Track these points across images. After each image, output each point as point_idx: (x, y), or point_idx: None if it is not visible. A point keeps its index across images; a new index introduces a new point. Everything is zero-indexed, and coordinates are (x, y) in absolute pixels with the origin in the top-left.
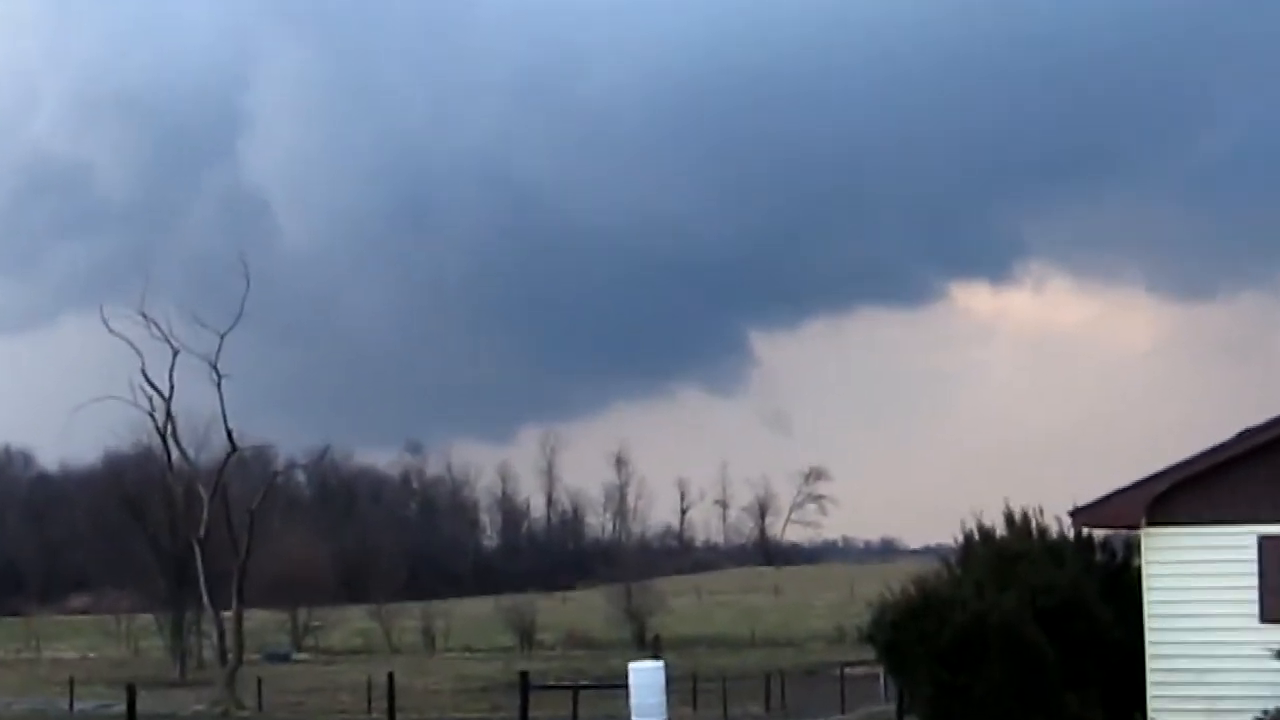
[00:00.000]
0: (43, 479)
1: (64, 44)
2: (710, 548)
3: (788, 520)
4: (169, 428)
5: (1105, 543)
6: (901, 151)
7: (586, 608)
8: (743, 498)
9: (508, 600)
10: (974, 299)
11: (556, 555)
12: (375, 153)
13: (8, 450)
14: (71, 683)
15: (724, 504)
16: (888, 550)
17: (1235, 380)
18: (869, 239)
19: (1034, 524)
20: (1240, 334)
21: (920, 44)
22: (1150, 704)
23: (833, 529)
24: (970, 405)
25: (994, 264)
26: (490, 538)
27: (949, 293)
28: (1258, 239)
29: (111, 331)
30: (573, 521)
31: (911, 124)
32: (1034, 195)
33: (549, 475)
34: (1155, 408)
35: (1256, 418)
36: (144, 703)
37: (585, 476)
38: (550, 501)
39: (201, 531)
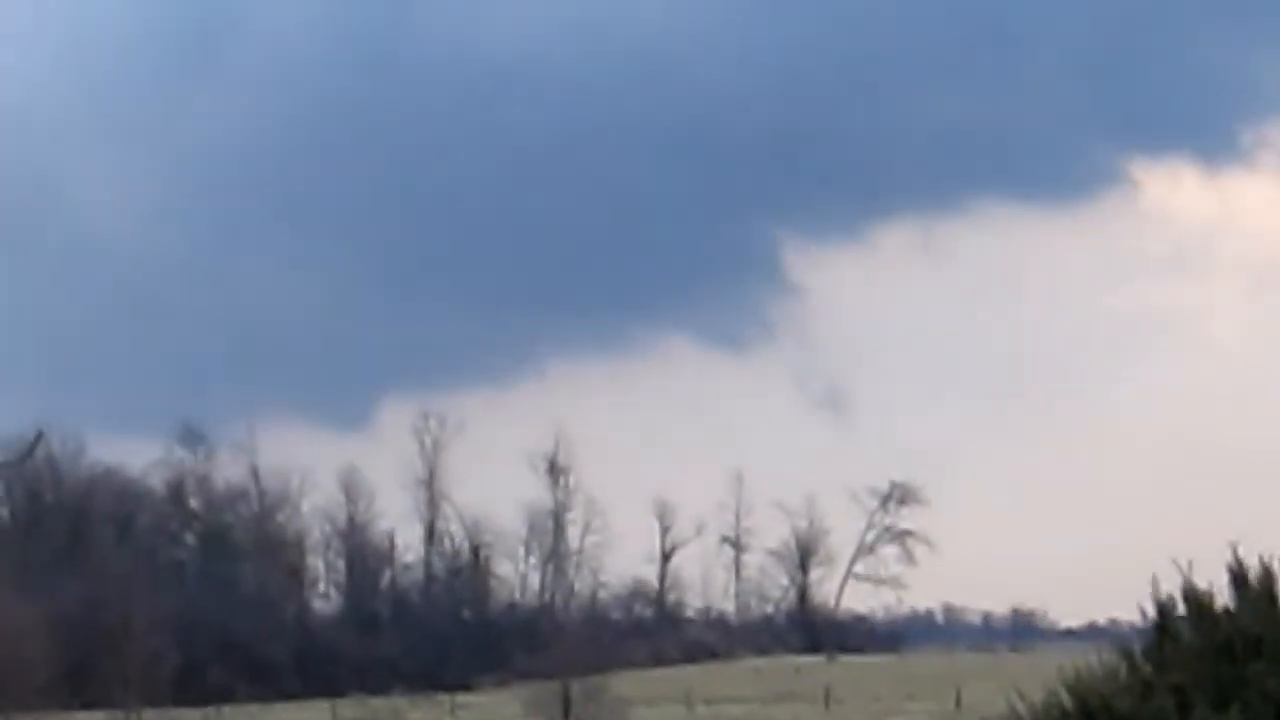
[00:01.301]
0: None
1: None
2: (712, 621)
3: (849, 575)
4: None
5: None
6: None
7: None
8: (770, 534)
9: (355, 707)
10: (1172, 190)
11: (442, 631)
12: None
13: None
14: None
15: (736, 544)
16: (1022, 630)
17: None
18: (988, 88)
19: None
20: None
21: None
22: None
23: (926, 592)
24: (1167, 381)
25: (1205, 128)
26: (326, 597)
27: (1127, 177)
28: None
29: None
30: (471, 572)
31: None
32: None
33: (429, 489)
34: None
35: None
36: None
37: (494, 492)
38: (431, 536)
39: None
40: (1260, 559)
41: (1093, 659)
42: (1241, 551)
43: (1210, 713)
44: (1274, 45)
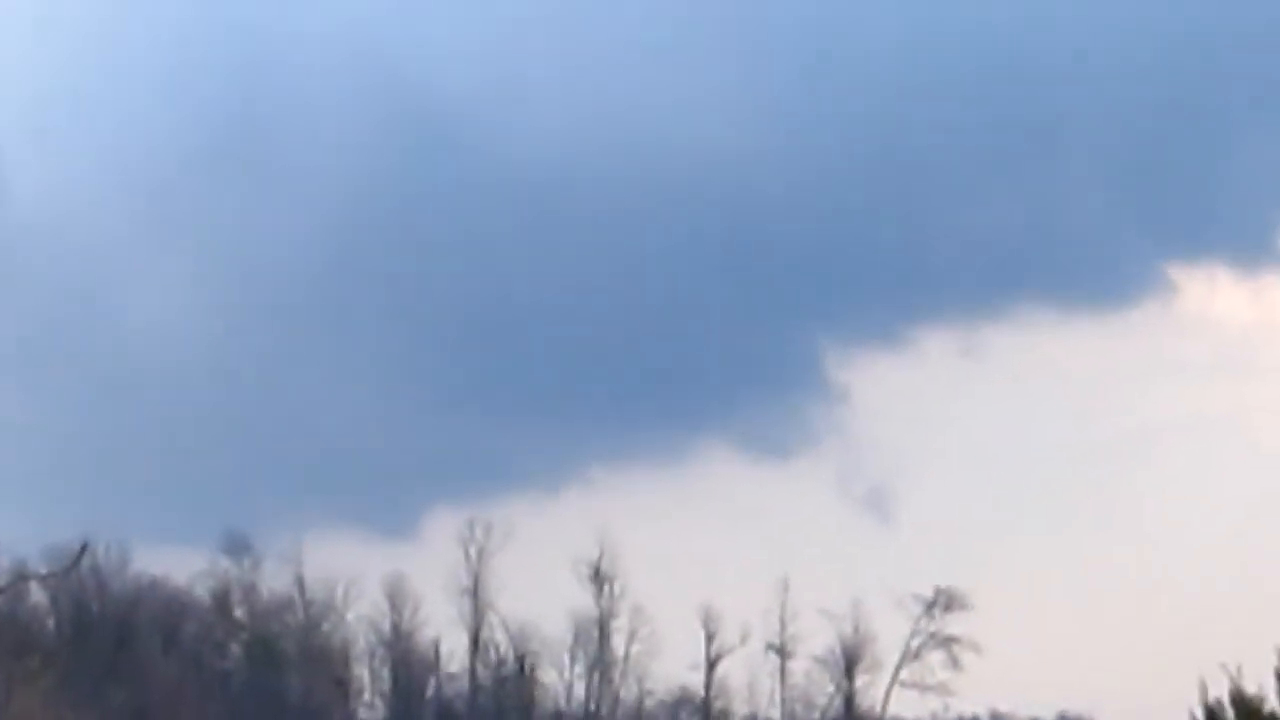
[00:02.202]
0: None
1: None
2: None
3: (894, 681)
4: None
5: None
6: (1096, 65)
7: None
8: (816, 640)
9: None
10: (1210, 294)
11: None
12: (175, 44)
13: None
14: None
15: (782, 651)
16: None
17: None
18: (1027, 194)
19: None
20: None
21: None
22: None
23: (973, 697)
24: (1209, 484)
25: (1241, 232)
26: (372, 707)
27: (1165, 281)
28: None
29: None
30: (516, 680)
31: (1113, 24)
32: None
33: (474, 597)
34: None
35: None
36: None
37: (539, 600)
38: (476, 644)
39: None
40: None
41: None
42: None
43: None
44: None
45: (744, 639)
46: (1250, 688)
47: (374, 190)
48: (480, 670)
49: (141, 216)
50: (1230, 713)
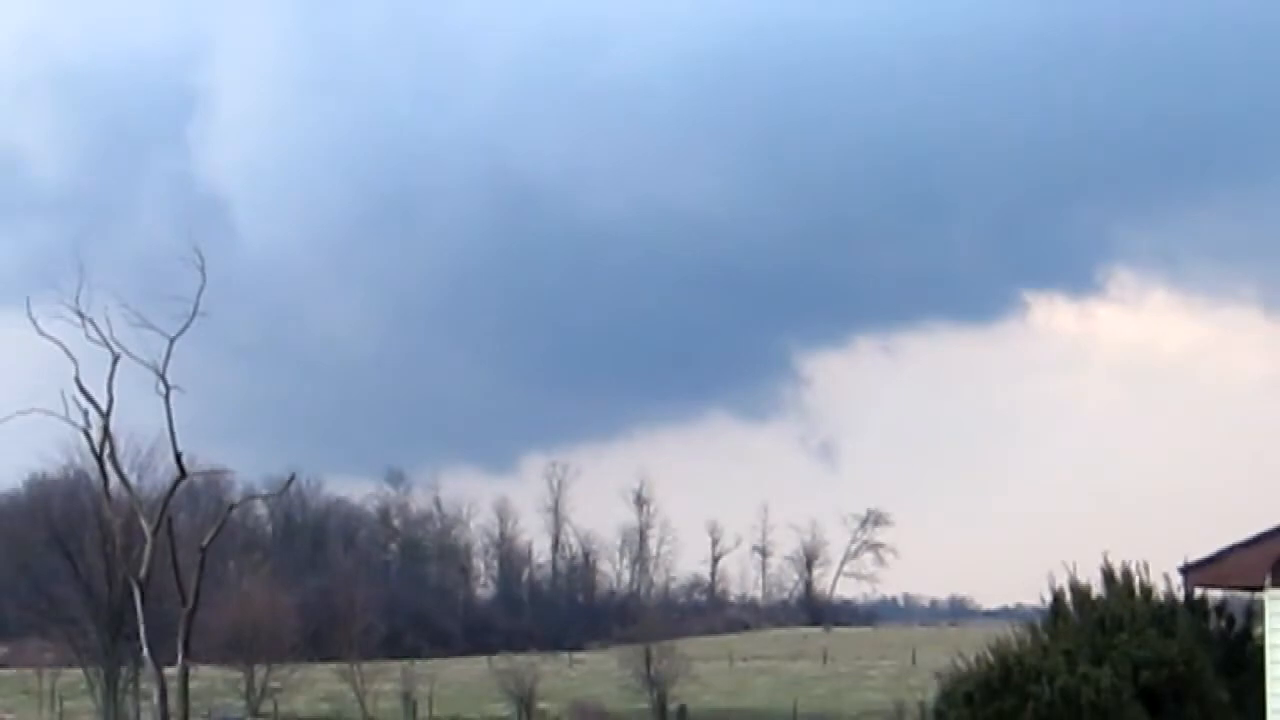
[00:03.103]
0: None
1: None
2: (746, 604)
3: (839, 573)
4: (106, 447)
5: (1222, 606)
6: (972, 150)
7: (597, 673)
8: (786, 545)
9: (504, 661)
10: (1051, 313)
11: (563, 609)
12: (350, 141)
13: None
14: None
15: (763, 551)
16: (958, 611)
17: None
18: (927, 241)
19: (1137, 583)
20: None
21: (1001, 24)
22: None
23: (892, 584)
24: (1054, 442)
25: (1072, 269)
26: (485, 587)
27: (1022, 303)
28: None
29: (41, 333)
30: (583, 570)
31: (981, 123)
32: (1125, 191)
33: (555, 514)
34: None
35: None
36: None
37: (598, 516)
38: (556, 545)
39: (142, 572)
40: (1122, 563)
41: (1009, 631)
42: (1109, 556)
43: (1090, 668)
44: (1119, 213)
45: (737, 543)
46: (1083, 580)
47: (485, 241)
48: (559, 563)
49: (328, 257)
50: (1069, 596)
